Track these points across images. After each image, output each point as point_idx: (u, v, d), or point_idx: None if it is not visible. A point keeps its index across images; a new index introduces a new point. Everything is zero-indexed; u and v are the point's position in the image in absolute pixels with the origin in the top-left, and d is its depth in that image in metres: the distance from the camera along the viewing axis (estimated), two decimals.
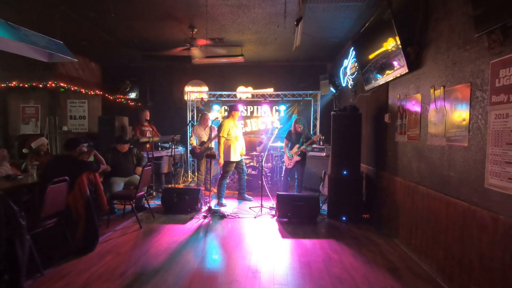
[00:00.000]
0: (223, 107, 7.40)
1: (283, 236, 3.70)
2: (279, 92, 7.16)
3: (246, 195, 5.37)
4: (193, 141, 5.94)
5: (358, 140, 4.34)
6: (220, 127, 4.98)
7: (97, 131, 6.35)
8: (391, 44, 3.27)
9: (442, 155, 2.67)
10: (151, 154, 5.55)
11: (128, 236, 3.63)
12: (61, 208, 3.02)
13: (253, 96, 7.39)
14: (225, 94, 7.29)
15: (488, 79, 2.09)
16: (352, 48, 4.88)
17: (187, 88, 7.80)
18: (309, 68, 7.45)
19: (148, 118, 6.02)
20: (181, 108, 7.72)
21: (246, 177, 5.40)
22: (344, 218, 4.26)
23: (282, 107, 7.21)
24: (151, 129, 6.02)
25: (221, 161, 4.93)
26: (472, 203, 2.25)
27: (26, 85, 6.08)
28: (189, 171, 7.25)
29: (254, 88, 7.55)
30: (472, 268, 2.21)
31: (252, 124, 7.40)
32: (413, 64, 3.12)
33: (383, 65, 3.62)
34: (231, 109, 5.04)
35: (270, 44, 5.86)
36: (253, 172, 6.04)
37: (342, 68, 5.89)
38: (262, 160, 5.11)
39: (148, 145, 5.63)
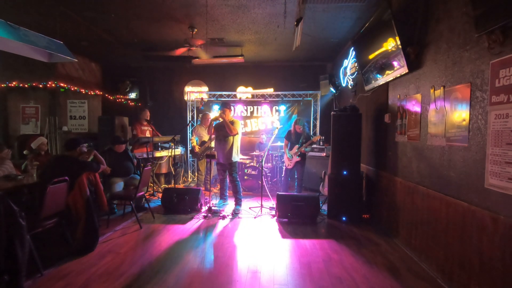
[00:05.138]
0: None
1: (283, 236, 3.70)
2: (279, 92, 7.16)
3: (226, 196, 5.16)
4: (194, 141, 5.94)
5: (358, 140, 4.34)
6: None
7: (97, 131, 6.35)
8: (391, 44, 3.28)
9: (442, 155, 2.67)
10: (151, 154, 5.56)
11: (128, 236, 3.63)
12: (61, 208, 3.02)
13: (253, 96, 7.39)
14: (225, 94, 7.29)
15: (488, 79, 2.09)
16: (352, 48, 4.88)
17: (187, 88, 7.80)
18: (309, 68, 7.45)
19: (148, 118, 6.03)
20: (181, 108, 7.72)
21: (236, 181, 4.80)
22: (344, 218, 4.26)
23: (282, 107, 7.21)
24: (150, 129, 6.03)
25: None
26: (472, 203, 2.25)
27: (26, 85, 6.08)
28: (189, 171, 7.25)
29: (254, 88, 7.55)
30: (472, 268, 2.21)
31: (252, 124, 7.40)
32: (413, 64, 3.12)
33: (383, 65, 3.62)
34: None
35: (270, 44, 5.86)
36: (253, 172, 6.04)
37: (342, 68, 5.89)
38: (262, 160, 5.10)
39: (147, 145, 5.63)
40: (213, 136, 4.84)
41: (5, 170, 3.77)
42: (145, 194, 4.55)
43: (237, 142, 4.74)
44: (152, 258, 3.03)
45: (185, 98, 7.66)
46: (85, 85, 6.89)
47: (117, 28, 5.08)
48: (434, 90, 2.79)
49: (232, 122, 4.65)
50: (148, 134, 6.04)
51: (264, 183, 5.14)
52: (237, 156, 4.76)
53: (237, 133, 4.67)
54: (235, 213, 4.55)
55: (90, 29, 5.06)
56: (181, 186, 6.44)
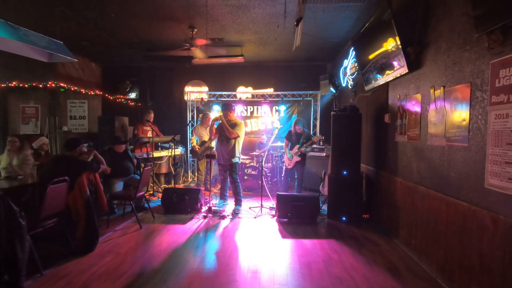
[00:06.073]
0: None
1: (283, 236, 3.70)
2: (279, 92, 7.16)
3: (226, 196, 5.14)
4: (194, 141, 5.94)
5: (358, 140, 4.34)
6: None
7: (97, 131, 6.35)
8: (391, 44, 3.27)
9: (442, 155, 2.67)
10: (151, 154, 5.56)
11: (128, 236, 3.63)
12: (61, 208, 3.02)
13: (253, 96, 7.39)
14: (225, 94, 7.29)
15: (488, 79, 2.09)
16: (352, 48, 4.88)
17: (187, 88, 7.80)
18: (309, 68, 7.45)
19: (151, 119, 6.02)
20: (181, 108, 7.72)
21: (236, 182, 4.78)
22: (344, 218, 4.26)
23: (282, 107, 7.21)
24: (153, 129, 6.03)
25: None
26: (472, 203, 2.25)
27: (26, 85, 6.08)
28: (189, 171, 7.25)
29: (254, 88, 7.55)
30: (472, 268, 2.21)
31: (252, 124, 7.40)
32: (413, 64, 3.12)
33: (383, 65, 3.62)
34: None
35: (270, 44, 5.86)
36: (253, 172, 6.04)
37: (342, 68, 5.89)
38: (262, 160, 5.10)
39: (148, 145, 5.64)
40: (213, 136, 4.84)
41: (27, 161, 3.88)
42: (145, 194, 4.55)
43: (238, 143, 4.69)
44: (152, 258, 3.03)
45: (185, 98, 7.66)
46: (85, 85, 6.89)
47: (117, 28, 5.09)
48: (434, 90, 2.79)
49: (235, 124, 4.61)
50: (150, 135, 6.04)
51: (264, 183, 5.14)
52: (238, 158, 4.72)
53: (238, 136, 4.59)
54: (235, 213, 4.55)
55: (90, 29, 5.06)
56: (181, 186, 6.44)
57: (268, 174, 6.21)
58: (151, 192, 5.79)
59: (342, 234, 3.78)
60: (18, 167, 3.87)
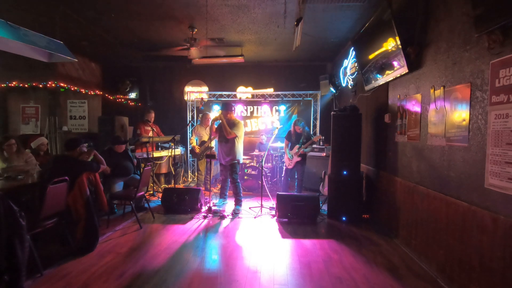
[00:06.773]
0: None
1: (283, 236, 3.70)
2: (279, 92, 7.16)
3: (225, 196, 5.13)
4: (193, 141, 5.94)
5: (358, 140, 4.34)
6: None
7: (97, 131, 6.35)
8: (391, 44, 3.28)
9: (442, 155, 2.67)
10: (151, 154, 5.56)
11: (128, 236, 3.63)
12: (61, 208, 3.02)
13: (253, 96, 7.39)
14: (225, 94, 7.30)
15: (488, 79, 2.09)
16: (352, 48, 4.88)
17: (187, 88, 7.80)
18: (309, 68, 7.45)
19: (151, 120, 6.02)
20: (181, 108, 7.72)
21: (236, 183, 4.73)
22: (344, 218, 4.26)
23: (282, 107, 7.21)
24: (154, 130, 6.03)
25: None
26: (472, 203, 2.25)
27: (26, 85, 6.08)
28: (189, 171, 7.25)
29: (254, 88, 7.55)
30: (472, 268, 2.21)
31: (252, 124, 7.40)
32: (413, 64, 3.12)
33: (383, 65, 3.62)
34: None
35: (270, 44, 5.86)
36: (253, 172, 6.04)
37: (342, 68, 5.89)
38: (262, 160, 5.10)
39: (148, 145, 5.64)
40: (213, 136, 4.84)
41: (30, 158, 3.94)
42: (145, 194, 4.55)
43: (238, 143, 4.64)
44: (152, 258, 3.03)
45: (185, 98, 7.66)
46: (85, 85, 6.89)
47: (117, 28, 5.09)
48: (434, 90, 2.79)
49: (233, 124, 4.59)
50: (151, 135, 6.04)
51: (264, 183, 5.14)
52: (238, 158, 4.65)
53: (235, 136, 4.56)
54: (235, 213, 4.55)
55: (90, 29, 5.06)
56: (181, 186, 6.44)
57: (268, 174, 6.20)
58: (151, 192, 5.79)
59: (342, 234, 3.78)
60: (26, 166, 3.88)
